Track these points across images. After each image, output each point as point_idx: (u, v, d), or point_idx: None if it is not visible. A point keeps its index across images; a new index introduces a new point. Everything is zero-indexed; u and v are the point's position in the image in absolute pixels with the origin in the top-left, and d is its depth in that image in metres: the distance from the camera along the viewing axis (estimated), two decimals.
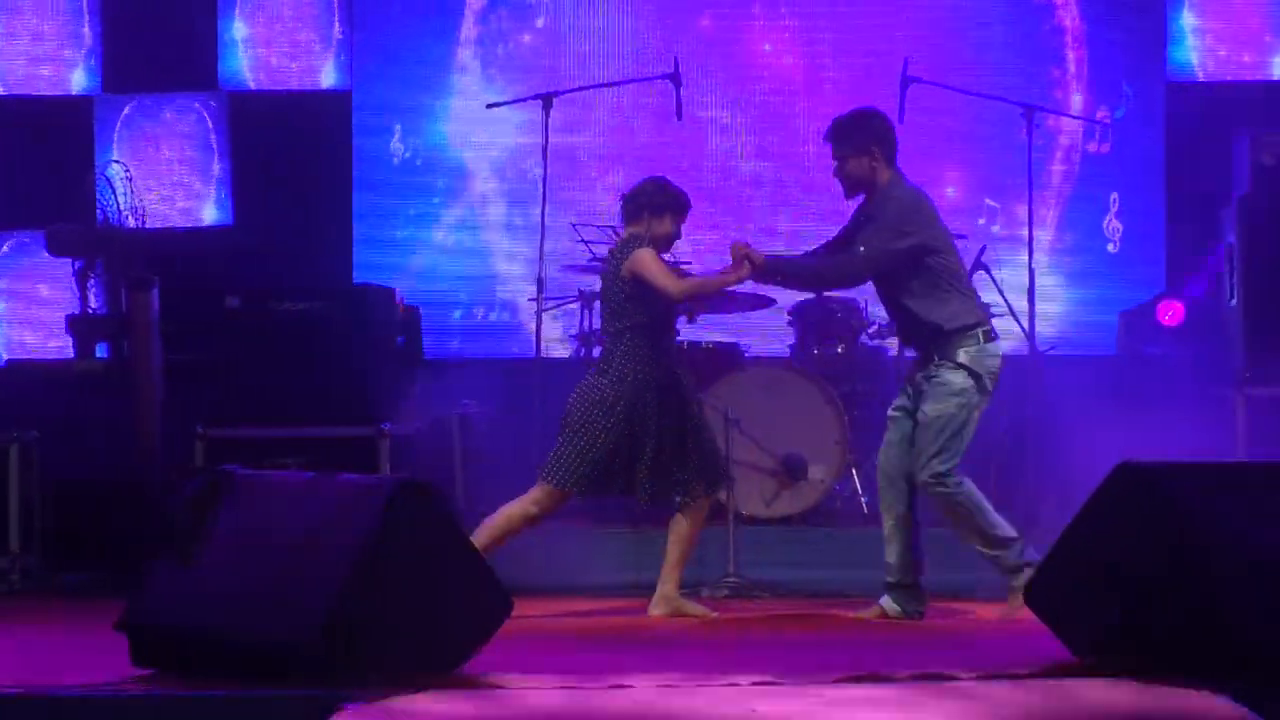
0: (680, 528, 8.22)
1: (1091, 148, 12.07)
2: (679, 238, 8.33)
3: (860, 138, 8.11)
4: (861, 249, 8.06)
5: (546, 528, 9.31)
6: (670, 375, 8.16)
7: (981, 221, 12.02)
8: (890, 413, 8.20)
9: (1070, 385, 10.15)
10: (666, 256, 8.34)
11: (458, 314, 12.39)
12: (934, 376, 8.02)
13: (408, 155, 12.43)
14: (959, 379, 7.99)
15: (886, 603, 8.10)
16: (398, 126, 12.47)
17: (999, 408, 10.04)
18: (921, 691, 5.72)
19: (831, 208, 10.70)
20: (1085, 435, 8.97)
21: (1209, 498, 5.94)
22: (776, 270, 8.19)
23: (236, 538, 6.09)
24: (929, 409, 8.00)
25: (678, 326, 8.58)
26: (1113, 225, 12.11)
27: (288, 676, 5.62)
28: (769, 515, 9.66)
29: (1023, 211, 10.51)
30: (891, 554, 8.10)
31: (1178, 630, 5.76)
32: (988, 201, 12.05)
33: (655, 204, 8.23)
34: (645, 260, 8.08)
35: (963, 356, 7.97)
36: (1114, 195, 12.14)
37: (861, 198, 8.19)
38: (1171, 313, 10.84)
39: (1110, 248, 12.15)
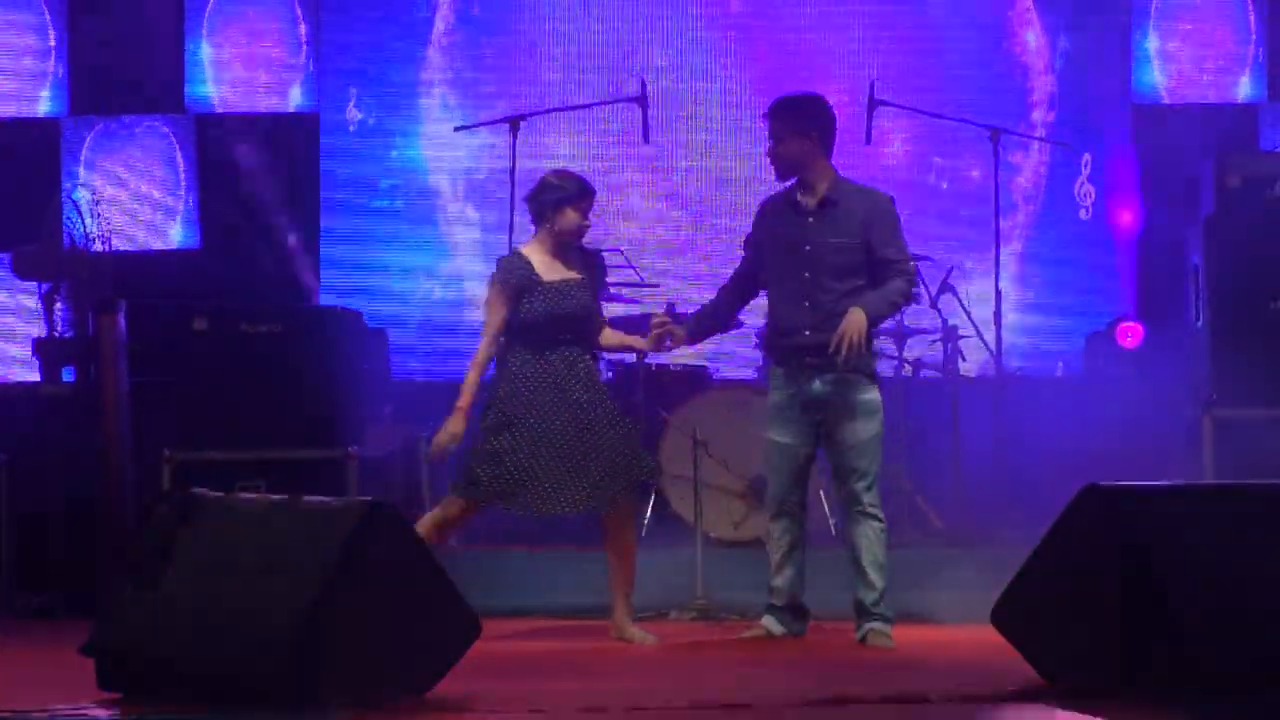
0: (610, 546, 8.16)
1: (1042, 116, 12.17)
2: (588, 225, 8.13)
3: (802, 120, 8.02)
4: (911, 265, 8.09)
5: (520, 548, 9.35)
6: (557, 378, 8.00)
7: (931, 179, 12.09)
8: (781, 441, 8.08)
9: (1037, 406, 10.21)
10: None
11: (416, 300, 12.40)
12: (849, 394, 7.94)
13: (364, 120, 12.42)
14: (875, 395, 7.98)
15: (771, 623, 8.11)
16: (353, 90, 12.48)
17: (967, 429, 10.17)
18: (889, 714, 5.81)
19: None
20: (1052, 457, 9.02)
21: (1172, 521, 6.00)
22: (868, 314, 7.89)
23: (203, 561, 6.08)
24: (861, 429, 7.94)
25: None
26: (1084, 189, 12.16)
27: (255, 700, 5.63)
28: (737, 538, 9.65)
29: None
30: (783, 579, 8.09)
31: (1142, 651, 5.80)
32: (935, 160, 12.11)
33: (552, 200, 8.07)
34: (488, 293, 8.12)
35: (868, 368, 7.99)
36: (1086, 157, 12.18)
37: (793, 182, 8.11)
38: (1130, 335, 10.90)
39: (1082, 214, 12.18)
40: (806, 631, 8.12)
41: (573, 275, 8.08)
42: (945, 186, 12.05)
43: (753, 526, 9.79)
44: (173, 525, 6.21)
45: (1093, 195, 12.17)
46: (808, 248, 7.98)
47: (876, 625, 7.95)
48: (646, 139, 10.33)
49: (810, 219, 8.01)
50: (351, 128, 12.48)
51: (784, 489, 8.10)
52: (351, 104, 12.50)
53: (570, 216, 8.04)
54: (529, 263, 8.03)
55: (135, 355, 9.55)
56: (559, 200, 8.04)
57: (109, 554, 8.95)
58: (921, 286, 10.37)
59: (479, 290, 12.16)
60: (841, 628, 8.15)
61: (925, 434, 10.48)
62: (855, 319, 7.76)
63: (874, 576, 7.95)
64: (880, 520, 7.97)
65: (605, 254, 10.74)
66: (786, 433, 8.08)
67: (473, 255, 12.31)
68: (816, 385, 7.99)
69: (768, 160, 8.13)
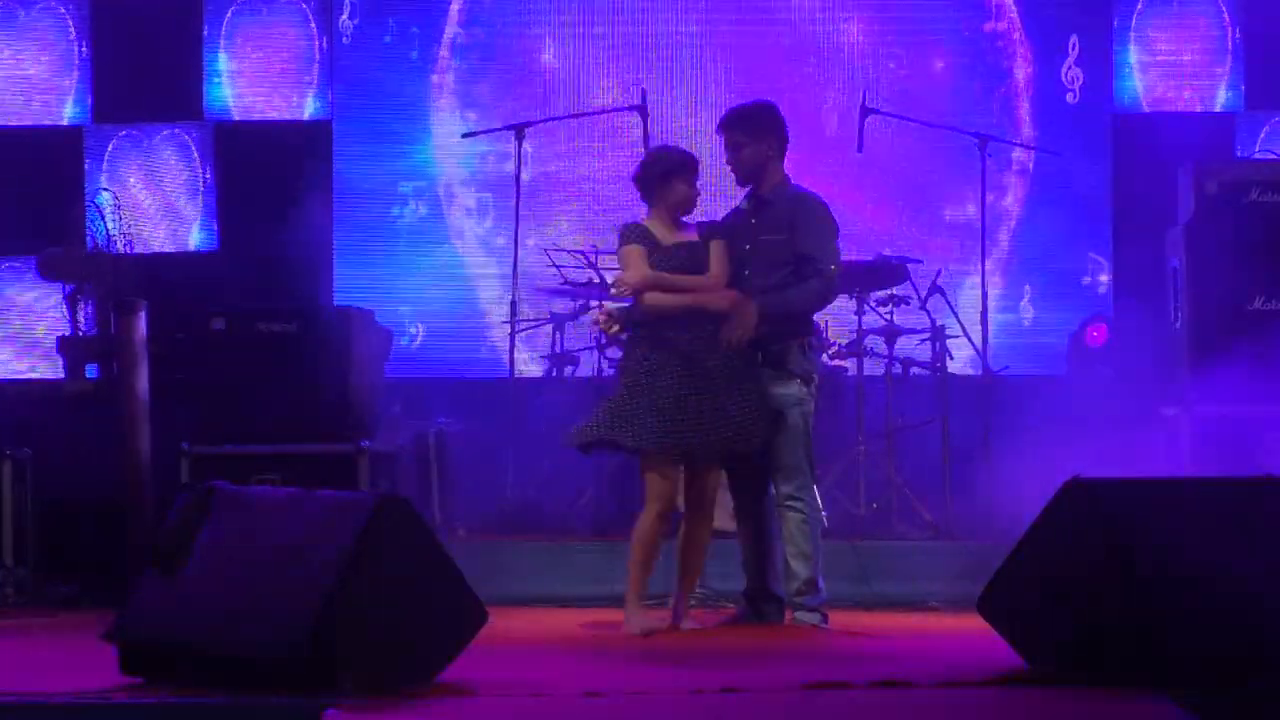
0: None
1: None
2: (697, 194, 8.16)
3: (757, 128, 8.22)
4: (830, 268, 8.14)
5: (526, 540, 9.46)
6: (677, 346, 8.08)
7: (921, 185, 12.26)
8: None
9: (1022, 403, 10.32)
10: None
11: (426, 301, 12.55)
12: (769, 390, 8.09)
13: (375, 122, 12.61)
14: (788, 390, 8.10)
15: (749, 607, 8.26)
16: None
17: (955, 425, 10.31)
18: (882, 698, 5.86)
19: None
20: (1036, 452, 9.11)
21: (1152, 513, 6.11)
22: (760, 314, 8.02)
23: (221, 551, 6.16)
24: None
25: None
26: (1071, 72, 12.26)
27: (271, 685, 5.69)
28: (735, 529, 9.76)
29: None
30: (753, 567, 8.26)
31: (1122, 639, 5.90)
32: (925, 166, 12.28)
33: (657, 173, 8.14)
34: (621, 256, 8.16)
35: (789, 363, 8.10)
36: (1073, 39, 12.30)
37: (750, 189, 8.29)
38: (1095, 334, 11.03)
39: (1069, 97, 12.26)
40: (783, 617, 8.22)
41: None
42: (934, 193, 12.19)
43: None
44: (192, 517, 6.28)
45: (1080, 78, 12.22)
46: (747, 246, 8.19)
47: (800, 615, 8.11)
48: (646, 145, 10.51)
49: (751, 219, 8.24)
50: (345, 39, 12.61)
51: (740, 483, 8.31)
52: (345, 14, 12.67)
53: (678, 189, 8.12)
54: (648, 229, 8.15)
55: (155, 353, 9.55)
56: (664, 172, 8.13)
57: (131, 545, 8.92)
58: (911, 289, 10.62)
59: (486, 291, 12.43)
60: (830, 616, 8.24)
61: (914, 430, 10.55)
62: (744, 312, 7.96)
63: (795, 566, 8.10)
64: (800, 511, 8.07)
65: (604, 257, 10.95)
66: None
67: (479, 257, 12.45)
68: None
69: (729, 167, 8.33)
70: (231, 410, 9.61)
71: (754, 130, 8.26)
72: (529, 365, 11.64)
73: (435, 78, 12.59)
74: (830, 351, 10.67)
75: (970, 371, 10.85)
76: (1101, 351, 10.85)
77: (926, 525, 10.08)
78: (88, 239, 10.41)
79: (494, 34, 12.58)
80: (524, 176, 10.78)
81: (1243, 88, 12.38)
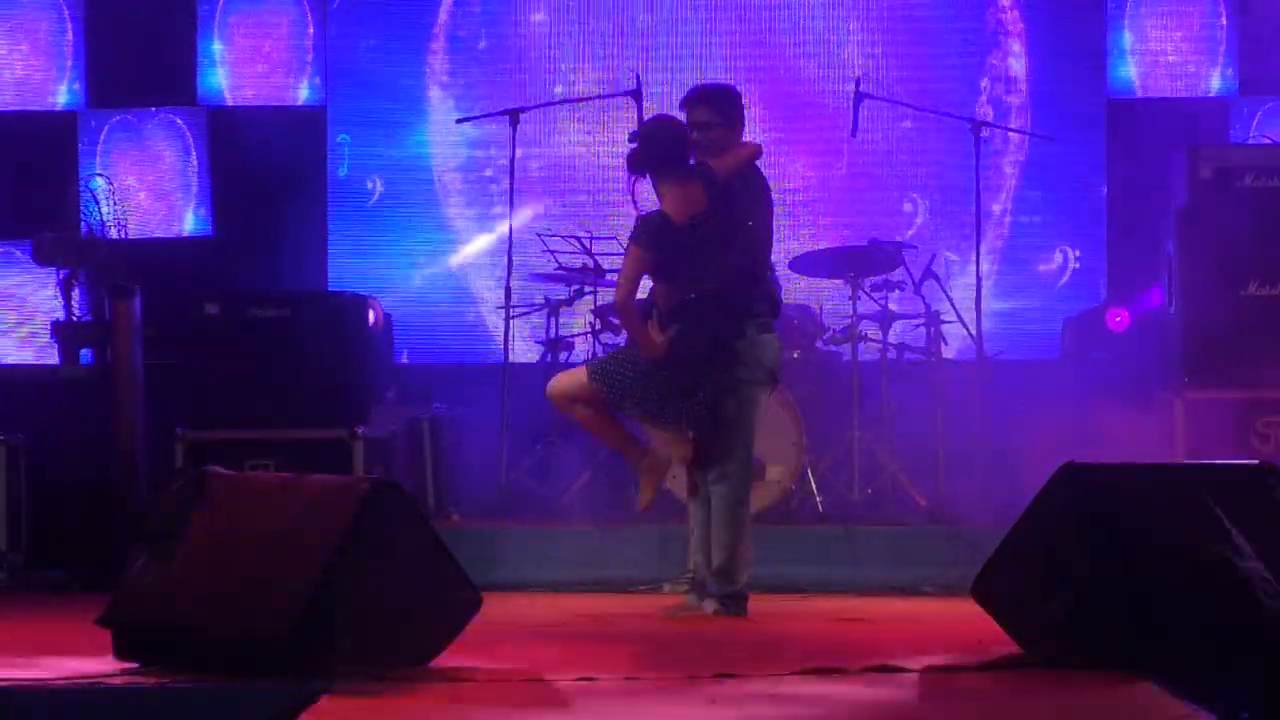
0: None
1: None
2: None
3: (730, 111, 8.22)
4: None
5: (519, 525, 9.46)
6: None
7: (913, 169, 12.25)
8: None
9: (1016, 388, 10.34)
10: None
11: (420, 287, 12.51)
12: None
13: (372, 187, 12.64)
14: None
15: (691, 598, 8.25)
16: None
17: (949, 410, 10.33)
18: (874, 683, 5.88)
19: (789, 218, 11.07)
20: (1030, 437, 9.15)
21: (1146, 498, 6.12)
22: None
23: (216, 536, 6.17)
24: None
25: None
26: (1065, 58, 12.28)
27: (266, 670, 5.71)
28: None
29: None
30: (702, 555, 8.18)
31: (1116, 623, 5.92)
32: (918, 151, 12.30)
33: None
34: None
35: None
36: (1067, 24, 12.35)
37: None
38: (1119, 319, 11.04)
39: (1063, 83, 12.34)
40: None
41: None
42: (928, 178, 12.17)
43: None
44: (186, 501, 6.29)
45: (1074, 64, 12.18)
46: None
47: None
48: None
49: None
50: (338, 24, 12.61)
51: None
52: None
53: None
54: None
55: (149, 338, 9.66)
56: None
57: (124, 529, 9.02)
58: (905, 274, 10.61)
59: (480, 277, 12.43)
60: (825, 601, 8.34)
61: (908, 415, 10.50)
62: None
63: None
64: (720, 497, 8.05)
65: (599, 241, 10.96)
66: None
67: (474, 243, 12.39)
68: None
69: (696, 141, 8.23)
70: (226, 395, 9.69)
71: (726, 112, 8.21)
72: (524, 351, 11.62)
73: (429, 63, 12.56)
74: (825, 336, 10.70)
75: (964, 357, 10.84)
76: (1124, 335, 10.82)
77: (920, 510, 10.08)
78: (82, 224, 10.44)
79: (488, 18, 12.55)
80: (518, 162, 10.75)
81: (1236, 73, 12.37)
